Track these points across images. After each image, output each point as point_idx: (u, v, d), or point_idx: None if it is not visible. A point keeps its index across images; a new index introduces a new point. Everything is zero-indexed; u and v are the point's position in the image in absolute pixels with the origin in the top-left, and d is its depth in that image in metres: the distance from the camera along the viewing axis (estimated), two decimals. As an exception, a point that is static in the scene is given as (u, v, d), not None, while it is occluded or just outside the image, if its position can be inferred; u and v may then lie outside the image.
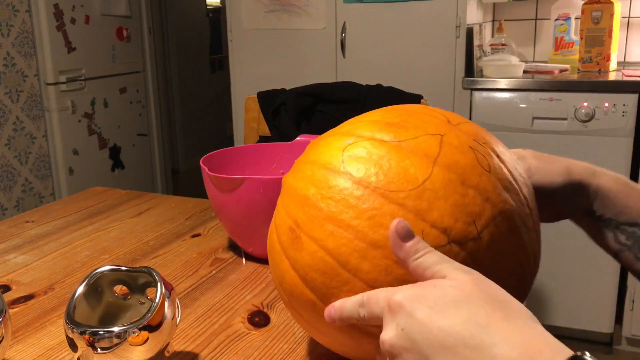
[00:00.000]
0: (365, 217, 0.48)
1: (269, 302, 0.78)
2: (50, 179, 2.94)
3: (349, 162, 0.51)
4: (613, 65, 2.25)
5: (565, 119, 2.04)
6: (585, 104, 2.00)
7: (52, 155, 2.91)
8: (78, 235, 1.04)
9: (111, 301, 0.65)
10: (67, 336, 0.58)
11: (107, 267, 0.64)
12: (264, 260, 0.91)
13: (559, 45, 2.44)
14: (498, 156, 0.53)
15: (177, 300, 0.63)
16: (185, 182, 4.51)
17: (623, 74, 2.13)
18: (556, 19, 2.43)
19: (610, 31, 2.20)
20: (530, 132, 2.09)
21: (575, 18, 2.41)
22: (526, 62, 2.48)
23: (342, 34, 2.35)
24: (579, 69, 2.28)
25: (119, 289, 0.66)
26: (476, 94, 2.16)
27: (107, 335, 0.56)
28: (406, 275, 0.47)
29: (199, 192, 1.34)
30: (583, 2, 2.26)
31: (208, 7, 5.01)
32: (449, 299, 0.41)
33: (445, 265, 0.44)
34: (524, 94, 2.09)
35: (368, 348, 0.51)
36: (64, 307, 0.78)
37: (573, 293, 2.15)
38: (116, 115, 3.26)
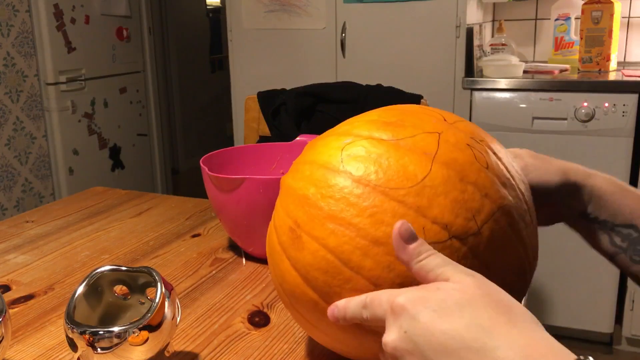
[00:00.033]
0: (366, 215, 0.49)
1: (269, 302, 0.78)
2: (50, 179, 2.94)
3: (348, 161, 0.52)
4: (613, 65, 2.25)
5: (565, 119, 2.04)
6: (585, 104, 2.00)
7: (52, 155, 2.91)
8: (78, 235, 1.04)
9: (111, 301, 0.65)
10: (67, 336, 0.58)
11: (107, 267, 0.64)
12: (264, 260, 0.91)
13: (559, 45, 2.44)
14: (495, 153, 0.54)
15: (177, 300, 0.63)
16: (185, 182, 4.52)
17: (623, 74, 2.13)
18: (556, 19, 2.43)
19: (610, 31, 2.20)
20: (530, 132, 2.09)
21: (575, 18, 2.41)
22: (526, 62, 2.48)
23: (342, 34, 2.35)
24: (579, 69, 2.28)
25: (119, 289, 0.66)
26: (476, 94, 2.16)
27: (107, 335, 0.56)
28: (409, 272, 0.47)
29: (199, 192, 1.34)
30: (583, 2, 2.26)
31: (208, 7, 5.01)
32: (452, 302, 0.41)
33: (448, 268, 0.44)
34: (524, 94, 2.09)
35: (371, 346, 0.51)
36: (64, 307, 0.78)
37: (573, 293, 2.15)
38: (116, 115, 3.26)
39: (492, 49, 2.44)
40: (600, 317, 2.14)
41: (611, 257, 0.66)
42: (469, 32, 2.20)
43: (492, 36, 2.62)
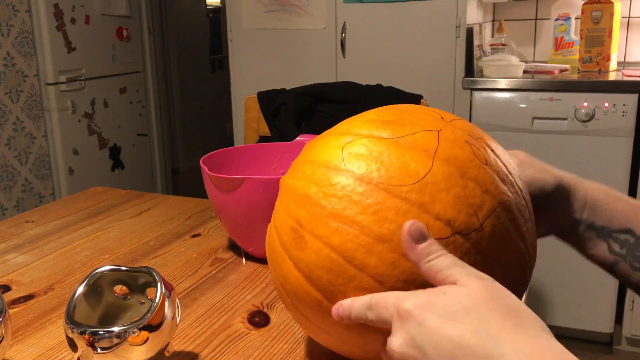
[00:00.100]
0: (369, 212, 0.49)
1: (269, 302, 0.78)
2: (50, 179, 2.94)
3: (350, 160, 0.52)
4: (613, 65, 2.25)
5: (565, 119, 2.04)
6: (585, 104, 2.00)
7: (52, 155, 2.91)
8: (78, 235, 1.04)
9: (111, 301, 0.65)
10: (67, 336, 0.58)
11: (107, 267, 0.64)
12: (264, 260, 0.91)
13: (559, 45, 2.44)
14: (492, 150, 0.55)
15: (177, 300, 0.63)
16: (185, 182, 4.51)
17: (623, 74, 2.13)
18: (556, 19, 2.43)
19: (610, 31, 2.20)
20: (530, 132, 2.09)
21: (575, 18, 2.41)
22: (526, 62, 2.48)
23: (342, 34, 2.35)
24: (579, 69, 2.28)
25: (119, 289, 0.66)
26: (476, 94, 2.16)
27: (107, 335, 0.56)
28: (413, 268, 0.47)
29: (199, 192, 1.34)
30: (583, 2, 2.26)
31: (208, 7, 5.01)
32: (459, 307, 0.41)
33: (457, 269, 0.44)
34: (524, 94, 2.09)
35: (375, 345, 0.51)
36: (64, 307, 0.78)
37: (573, 293, 2.15)
38: (116, 115, 3.26)
39: (492, 49, 2.44)
40: (600, 317, 2.14)
41: (611, 267, 0.65)
42: (469, 32, 2.20)
43: (492, 36, 2.62)
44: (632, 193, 2.04)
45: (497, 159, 0.54)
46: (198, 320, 0.74)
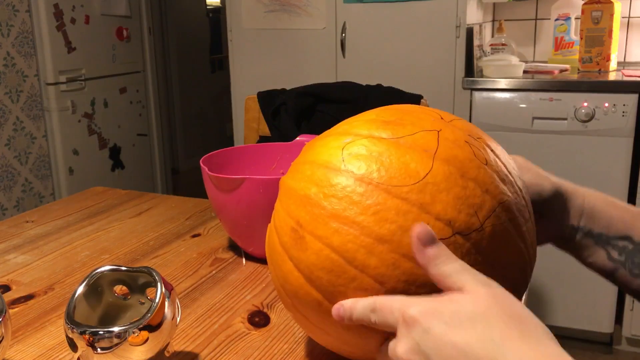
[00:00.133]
0: (370, 213, 0.49)
1: (269, 302, 0.78)
2: (50, 179, 2.94)
3: (350, 160, 0.52)
4: (613, 65, 2.25)
5: (565, 119, 2.04)
6: (585, 104, 2.00)
7: (52, 155, 2.91)
8: (78, 235, 1.04)
9: (111, 301, 0.65)
10: (67, 336, 0.58)
11: (107, 267, 0.64)
12: (264, 260, 0.91)
13: (559, 45, 2.44)
14: (492, 150, 0.55)
15: (177, 300, 0.63)
16: (185, 182, 4.51)
17: (623, 74, 2.13)
18: (556, 19, 2.43)
19: (610, 31, 2.20)
20: (530, 132, 2.09)
21: (575, 18, 2.41)
22: (526, 62, 2.48)
23: (342, 34, 2.35)
24: (579, 69, 2.28)
25: (119, 289, 0.66)
26: (476, 94, 2.16)
27: (107, 335, 0.56)
28: (414, 269, 0.47)
29: (199, 192, 1.34)
30: (583, 2, 2.26)
31: (208, 7, 5.01)
32: (464, 315, 0.41)
33: (465, 275, 0.44)
34: (524, 94, 2.09)
35: (376, 345, 0.51)
36: (64, 307, 0.78)
37: (573, 293, 2.15)
38: (116, 115, 3.26)
39: (492, 49, 2.44)
40: (600, 317, 2.14)
41: (610, 274, 0.65)
42: (469, 32, 2.20)
43: (492, 36, 2.62)
44: (632, 193, 2.04)
45: (497, 159, 0.54)
46: (198, 320, 0.74)
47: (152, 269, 0.63)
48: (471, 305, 0.41)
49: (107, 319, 0.64)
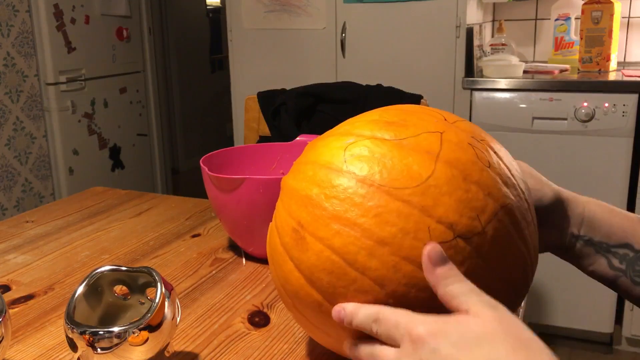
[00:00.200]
0: (371, 215, 0.49)
1: (269, 302, 0.78)
2: (50, 179, 2.94)
3: (352, 161, 0.52)
4: (613, 65, 2.25)
5: (565, 119, 2.04)
6: (585, 104, 2.00)
7: (52, 155, 2.91)
8: (78, 235, 1.04)
9: (111, 301, 0.65)
10: (67, 336, 0.58)
11: (107, 267, 0.64)
12: (264, 260, 0.91)
13: (559, 45, 2.44)
14: (495, 153, 0.54)
15: (177, 300, 0.63)
16: (185, 182, 4.52)
17: (623, 74, 2.13)
18: (556, 19, 2.43)
19: (610, 31, 2.20)
20: (530, 132, 2.09)
21: (575, 18, 2.41)
22: (526, 62, 2.48)
23: (342, 34, 2.35)
24: (579, 69, 2.28)
25: (119, 289, 0.66)
26: (476, 94, 2.16)
27: (107, 335, 0.56)
28: (415, 272, 0.47)
29: (199, 192, 1.34)
30: (583, 2, 2.26)
31: (208, 7, 5.01)
32: (471, 337, 0.41)
33: (473, 297, 0.44)
34: (524, 94, 2.09)
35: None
36: (64, 307, 0.78)
37: (573, 293, 2.15)
38: (116, 115, 3.26)
39: (492, 49, 2.44)
40: (600, 317, 2.14)
41: (612, 283, 0.65)
42: (469, 32, 2.20)
43: (492, 36, 2.62)
44: (632, 193, 2.04)
45: (500, 161, 0.53)
46: (198, 320, 0.74)
47: (152, 269, 0.63)
48: (478, 328, 0.42)
49: (107, 319, 0.64)
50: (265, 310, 0.76)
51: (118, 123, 3.28)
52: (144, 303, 0.66)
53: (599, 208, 0.64)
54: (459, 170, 0.50)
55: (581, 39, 2.25)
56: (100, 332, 0.56)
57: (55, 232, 1.06)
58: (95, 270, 0.64)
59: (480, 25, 2.41)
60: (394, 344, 0.45)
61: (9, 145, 2.71)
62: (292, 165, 0.60)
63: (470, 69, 2.24)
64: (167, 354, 0.65)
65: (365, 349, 0.49)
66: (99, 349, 0.56)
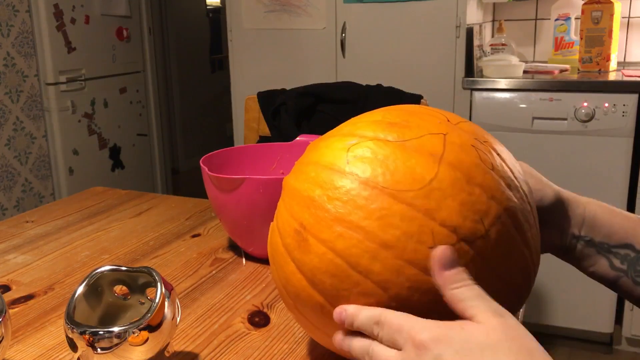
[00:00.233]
0: (374, 218, 0.48)
1: (269, 302, 0.78)
2: (50, 179, 2.94)
3: (355, 163, 0.51)
4: (613, 65, 2.25)
5: (565, 119, 2.04)
6: (585, 104, 2.00)
7: (52, 155, 2.91)
8: (78, 235, 1.04)
9: (111, 301, 0.65)
10: (67, 336, 0.58)
11: (107, 267, 0.64)
12: (264, 260, 0.91)
13: (559, 45, 2.44)
14: (498, 154, 0.54)
15: (177, 300, 0.63)
16: (185, 182, 4.51)
17: (623, 74, 2.13)
18: (556, 19, 2.44)
19: (610, 31, 2.20)
20: (530, 132, 2.09)
21: (575, 18, 2.41)
22: (526, 62, 2.48)
23: (342, 34, 2.35)
24: (579, 69, 2.28)
25: (119, 289, 0.66)
26: (476, 94, 2.16)
27: (107, 335, 0.56)
28: (418, 275, 0.47)
29: (199, 192, 1.34)
30: (583, 2, 2.26)
31: (208, 7, 5.01)
32: (474, 344, 0.41)
33: (479, 303, 0.44)
34: (524, 94, 2.09)
35: None
36: (64, 307, 0.78)
37: (573, 293, 2.15)
38: (116, 115, 3.26)
39: (492, 49, 2.44)
40: (600, 317, 2.14)
41: (613, 283, 0.64)
42: (469, 32, 2.20)
43: (492, 36, 2.62)
44: (632, 193, 2.04)
45: (503, 163, 0.53)
46: (198, 320, 0.74)
47: (152, 269, 0.63)
48: (481, 336, 0.42)
49: (107, 319, 0.64)
50: (265, 310, 0.76)
51: (118, 123, 3.28)
52: (144, 303, 0.66)
53: (599, 208, 0.64)
54: (463, 172, 0.49)
55: (581, 39, 2.25)
56: (100, 332, 0.56)
57: (55, 232, 1.06)
58: (95, 270, 0.64)
59: (480, 25, 2.41)
60: (396, 347, 0.45)
61: (9, 145, 2.71)
62: (292, 165, 0.60)
63: (470, 69, 2.24)
64: (167, 354, 0.65)
65: (360, 344, 0.49)
66: (99, 349, 0.56)
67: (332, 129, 0.60)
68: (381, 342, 0.47)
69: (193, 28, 4.80)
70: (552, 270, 2.14)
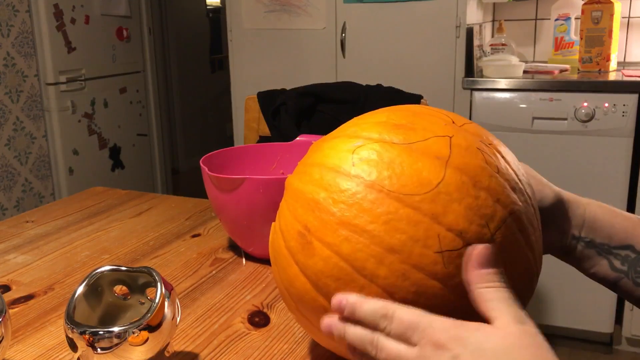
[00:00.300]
0: (380, 222, 0.48)
1: (269, 302, 0.78)
2: (50, 179, 2.94)
3: (360, 165, 0.51)
4: (613, 65, 2.25)
5: (565, 119, 2.04)
6: (585, 104, 2.00)
7: (52, 155, 2.91)
8: (78, 235, 1.04)
9: (111, 301, 0.65)
10: (67, 336, 0.58)
11: (107, 267, 0.64)
12: (264, 260, 0.91)
13: (559, 45, 2.44)
14: (503, 157, 0.53)
15: (177, 300, 0.63)
16: (185, 182, 4.52)
17: (623, 74, 2.13)
18: (556, 19, 2.43)
19: (610, 31, 2.20)
20: (530, 132, 2.09)
21: (575, 18, 2.41)
22: (526, 62, 2.48)
23: (342, 34, 2.35)
24: (579, 69, 2.28)
25: (119, 289, 0.66)
26: (476, 94, 2.16)
27: (107, 335, 0.56)
28: (424, 280, 0.47)
29: (199, 192, 1.34)
30: (583, 2, 2.26)
31: (208, 7, 5.01)
32: (488, 347, 0.42)
33: (503, 307, 0.44)
34: (524, 94, 2.09)
35: None
36: (64, 307, 0.78)
37: (573, 293, 2.15)
38: (116, 115, 3.26)
39: (492, 49, 2.44)
40: (600, 317, 2.14)
41: (613, 284, 0.64)
42: (469, 32, 2.20)
43: (492, 36, 2.62)
44: (632, 193, 2.04)
45: (508, 166, 0.53)
46: (198, 320, 0.74)
47: (152, 269, 0.63)
48: (497, 339, 0.42)
49: (107, 319, 0.64)
50: (265, 310, 0.76)
51: (118, 123, 3.28)
52: (144, 303, 0.66)
53: (600, 209, 0.64)
54: (469, 176, 0.49)
55: (581, 39, 2.25)
56: (100, 332, 0.56)
57: (55, 232, 1.06)
58: (95, 270, 0.64)
59: (480, 25, 2.41)
60: (407, 343, 0.45)
61: (9, 145, 2.71)
62: (292, 165, 0.59)
63: (470, 69, 2.24)
64: (167, 354, 0.65)
65: (360, 333, 0.47)
66: (99, 349, 0.56)
67: (332, 129, 0.60)
68: (388, 335, 0.46)
69: (193, 28, 4.80)
70: (552, 271, 2.14)
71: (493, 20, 2.67)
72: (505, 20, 2.54)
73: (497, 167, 0.51)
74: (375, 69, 2.33)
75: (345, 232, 0.49)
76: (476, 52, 2.30)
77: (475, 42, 2.29)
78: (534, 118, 2.07)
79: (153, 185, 3.63)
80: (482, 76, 2.21)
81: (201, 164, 0.90)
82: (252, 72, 2.53)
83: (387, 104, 0.62)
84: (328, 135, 0.58)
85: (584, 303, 2.14)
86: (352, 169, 0.51)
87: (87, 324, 0.59)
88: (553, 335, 2.23)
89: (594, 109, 1.99)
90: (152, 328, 0.58)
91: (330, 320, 0.49)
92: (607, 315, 2.13)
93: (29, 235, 1.05)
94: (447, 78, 2.22)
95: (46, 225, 1.10)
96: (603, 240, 0.63)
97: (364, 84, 1.64)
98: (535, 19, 2.60)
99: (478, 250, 0.45)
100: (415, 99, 1.57)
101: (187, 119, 4.82)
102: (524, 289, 0.52)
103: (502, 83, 2.11)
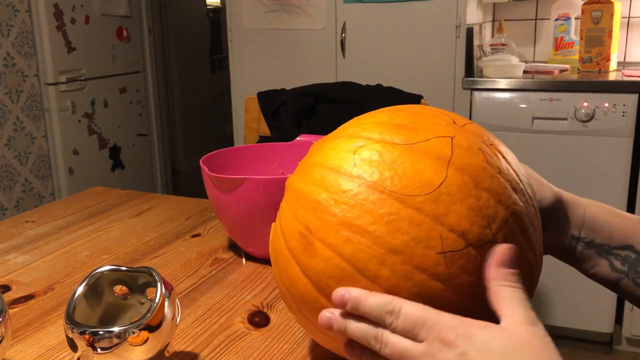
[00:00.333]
0: (382, 222, 0.48)
1: (269, 302, 0.78)
2: (50, 179, 2.94)
3: (362, 166, 0.51)
4: (613, 65, 2.25)
5: (565, 119, 2.04)
6: (585, 104, 2.00)
7: (52, 155, 2.91)
8: (78, 235, 1.04)
9: (111, 301, 0.65)
10: (67, 336, 0.58)
11: (107, 267, 0.64)
12: (264, 260, 0.91)
13: (559, 45, 2.44)
14: (504, 157, 0.53)
15: (177, 300, 0.63)
16: (185, 182, 4.52)
17: (623, 74, 2.13)
18: (556, 19, 2.44)
19: (610, 31, 2.20)
20: (530, 132, 2.09)
21: (575, 18, 2.41)
22: (526, 62, 2.48)
23: (342, 34, 2.35)
24: (579, 69, 2.28)
25: (119, 289, 0.66)
26: (476, 94, 2.16)
27: (107, 335, 0.56)
28: (426, 281, 0.47)
29: (199, 192, 1.34)
30: (583, 2, 2.26)
31: (208, 7, 5.01)
32: (495, 345, 0.42)
33: (516, 307, 0.44)
34: (524, 94, 2.09)
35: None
36: (64, 307, 0.78)
37: (573, 293, 2.15)
38: (116, 115, 3.26)
39: (492, 49, 2.44)
40: (600, 317, 2.14)
41: (613, 285, 0.64)
42: (469, 32, 2.20)
43: (492, 36, 2.62)
44: (632, 193, 2.04)
45: (509, 166, 0.53)
46: (198, 320, 0.74)
47: (152, 269, 0.63)
48: (504, 337, 0.42)
49: (107, 319, 0.64)
50: (265, 310, 0.76)
51: (118, 123, 3.28)
52: (144, 303, 0.66)
53: (600, 210, 0.64)
54: (471, 176, 0.49)
55: (581, 39, 2.25)
56: (100, 332, 0.56)
57: (55, 232, 1.06)
58: (95, 270, 0.64)
59: (480, 25, 2.41)
60: (413, 339, 0.45)
61: (9, 145, 2.71)
62: (292, 165, 0.59)
63: (470, 69, 2.24)
64: (167, 354, 0.65)
65: (363, 327, 0.47)
66: (99, 349, 0.56)
67: (332, 129, 0.60)
68: (393, 331, 0.46)
69: (193, 28, 4.80)
70: (552, 271, 2.14)
71: (493, 20, 2.67)
72: (505, 20, 2.54)
73: (498, 167, 0.51)
74: (375, 69, 2.33)
75: (347, 233, 0.49)
76: (476, 52, 2.30)
77: (475, 42, 2.29)
78: (534, 118, 2.08)
79: (153, 185, 3.63)
80: (482, 76, 2.21)
81: (201, 164, 0.90)
82: (252, 72, 2.54)
83: (387, 104, 0.62)
84: (329, 135, 0.58)
85: (584, 303, 2.14)
86: (354, 170, 0.51)
87: (87, 324, 0.59)
88: (553, 335, 2.23)
89: (594, 109, 1.99)
90: (152, 328, 0.58)
91: (330, 314, 0.49)
92: (607, 315, 2.13)
93: (29, 235, 1.05)
94: (447, 78, 2.22)
95: (46, 225, 1.10)
96: (603, 240, 0.63)
97: (364, 84, 1.64)
98: (535, 19, 2.60)
99: (502, 249, 0.46)
100: (415, 99, 1.57)
101: (187, 119, 4.82)
102: (524, 289, 0.52)
103: (502, 83, 2.11)
